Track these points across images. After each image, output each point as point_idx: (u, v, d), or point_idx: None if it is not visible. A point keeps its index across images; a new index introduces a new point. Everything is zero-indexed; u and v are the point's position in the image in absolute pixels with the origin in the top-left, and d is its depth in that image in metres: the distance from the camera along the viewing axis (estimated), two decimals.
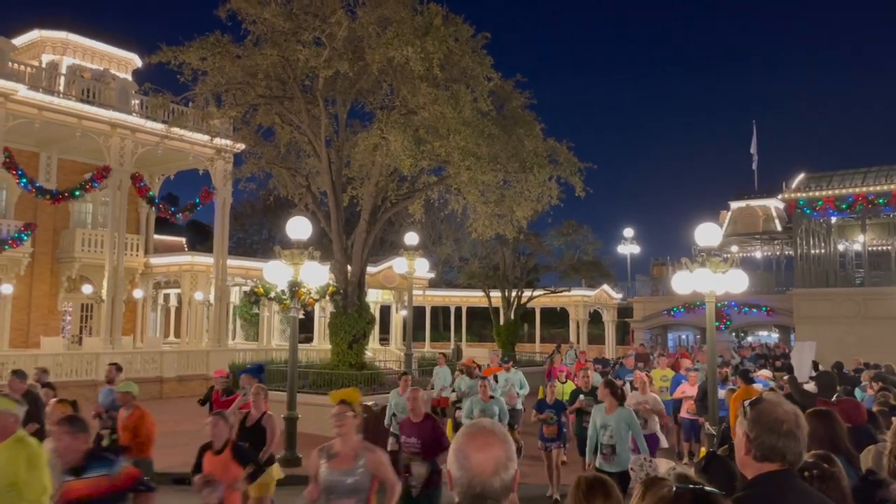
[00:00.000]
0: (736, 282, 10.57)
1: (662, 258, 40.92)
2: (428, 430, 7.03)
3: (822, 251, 30.97)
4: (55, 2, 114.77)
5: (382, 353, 29.73)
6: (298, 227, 12.55)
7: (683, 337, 37.48)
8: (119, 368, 10.98)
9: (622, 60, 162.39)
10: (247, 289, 27.97)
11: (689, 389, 12.69)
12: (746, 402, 2.43)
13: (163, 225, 33.60)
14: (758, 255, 40.39)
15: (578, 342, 37.26)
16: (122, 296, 24.02)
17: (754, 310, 32.51)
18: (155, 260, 28.95)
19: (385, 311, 35.08)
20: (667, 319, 35.13)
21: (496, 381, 13.24)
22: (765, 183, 38.96)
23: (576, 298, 36.55)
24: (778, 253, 38.43)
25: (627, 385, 13.91)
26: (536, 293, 31.04)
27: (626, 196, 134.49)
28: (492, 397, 10.18)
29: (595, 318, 39.65)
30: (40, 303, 26.49)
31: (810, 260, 29.96)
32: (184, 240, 37.42)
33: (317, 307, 28.32)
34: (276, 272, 12.49)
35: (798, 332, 27.75)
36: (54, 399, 8.08)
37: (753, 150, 39.42)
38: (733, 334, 33.76)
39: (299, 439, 12.75)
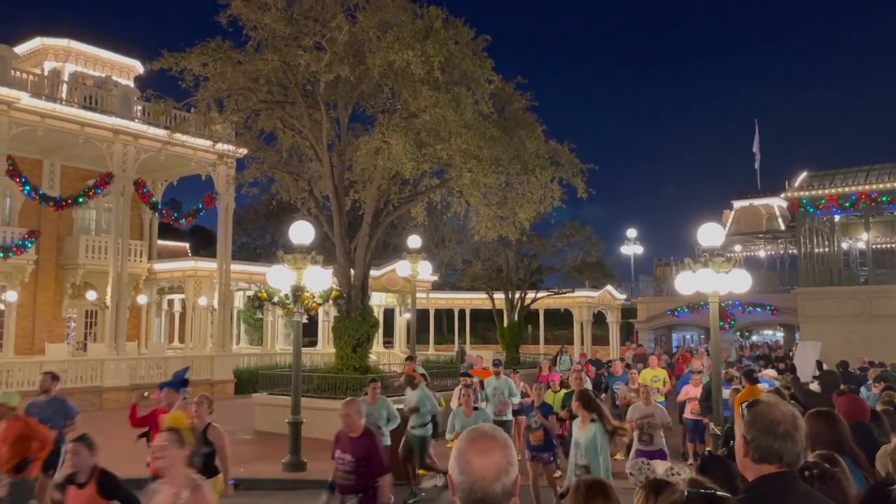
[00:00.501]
0: (739, 281, 10.57)
1: (666, 258, 40.93)
2: (364, 447, 6.17)
3: (826, 250, 30.92)
4: (57, 10, 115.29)
5: (387, 356, 29.75)
6: (301, 232, 12.57)
7: (688, 337, 37.47)
8: (55, 377, 9.69)
9: (624, 60, 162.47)
10: (251, 293, 27.99)
11: (692, 391, 12.69)
12: (744, 404, 2.43)
13: (166, 231, 33.68)
14: (761, 254, 40.37)
15: (583, 343, 37.26)
16: (127, 302, 24.07)
17: (758, 309, 32.47)
18: (159, 265, 29.02)
19: (389, 314, 35.11)
20: (671, 320, 35.12)
21: (482, 388, 12.46)
22: (767, 182, 38.93)
23: (579, 300, 36.53)
24: (782, 252, 38.41)
25: (621, 389, 13.38)
26: (540, 295, 31.00)
27: (628, 196, 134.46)
28: (476, 408, 9.24)
29: (599, 319, 39.62)
30: (45, 310, 26.56)
31: (814, 259, 29.91)
32: (187, 245, 37.53)
33: (321, 311, 28.34)
34: (279, 277, 12.50)
35: (802, 331, 27.70)
36: None
37: (756, 149, 39.44)
38: (738, 334, 33.72)
39: (305, 444, 12.76)
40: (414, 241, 18.86)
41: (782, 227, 35.55)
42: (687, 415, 12.78)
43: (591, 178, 17.81)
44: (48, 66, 26.25)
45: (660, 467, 7.51)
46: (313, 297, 13.00)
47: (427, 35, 14.86)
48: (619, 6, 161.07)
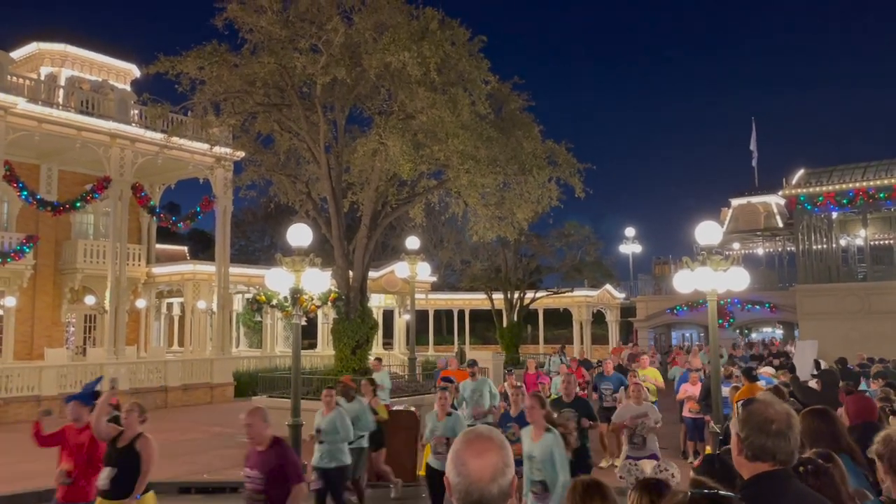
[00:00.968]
0: (737, 280, 10.58)
1: (664, 257, 40.97)
2: (273, 459, 5.44)
3: (824, 247, 30.96)
4: (53, 14, 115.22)
5: (386, 357, 29.75)
6: (299, 234, 12.56)
7: (687, 335, 37.51)
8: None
9: (621, 59, 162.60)
10: (249, 296, 28.02)
11: (690, 389, 12.71)
12: (739, 403, 2.45)
13: (164, 234, 33.67)
14: (760, 251, 40.41)
15: (582, 343, 37.30)
16: (125, 306, 24.06)
17: (757, 307, 32.53)
18: (157, 269, 29.01)
19: (388, 315, 35.12)
20: (670, 318, 35.16)
21: (457, 392, 11.80)
22: (765, 179, 39.05)
23: (578, 299, 36.58)
24: (780, 249, 38.46)
25: (619, 393, 12.45)
26: (539, 294, 31.07)
27: (626, 195, 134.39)
28: (449, 413, 8.42)
29: (598, 319, 39.67)
30: (43, 314, 26.55)
31: (812, 256, 29.95)
32: (186, 248, 37.53)
33: (320, 313, 28.30)
34: (277, 280, 12.49)
35: (801, 328, 27.74)
36: None
37: (753, 146, 39.52)
38: (737, 332, 33.76)
39: (305, 446, 12.75)
40: (412, 242, 18.86)
41: (780, 224, 35.60)
42: (686, 413, 12.80)
43: (589, 177, 17.85)
44: (45, 70, 26.25)
45: (647, 466, 7.46)
46: (312, 300, 12.98)
47: (423, 36, 14.87)
48: (616, 5, 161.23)
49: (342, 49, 15.83)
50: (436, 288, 37.27)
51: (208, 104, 17.31)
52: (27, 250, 23.99)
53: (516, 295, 29.13)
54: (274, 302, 13.52)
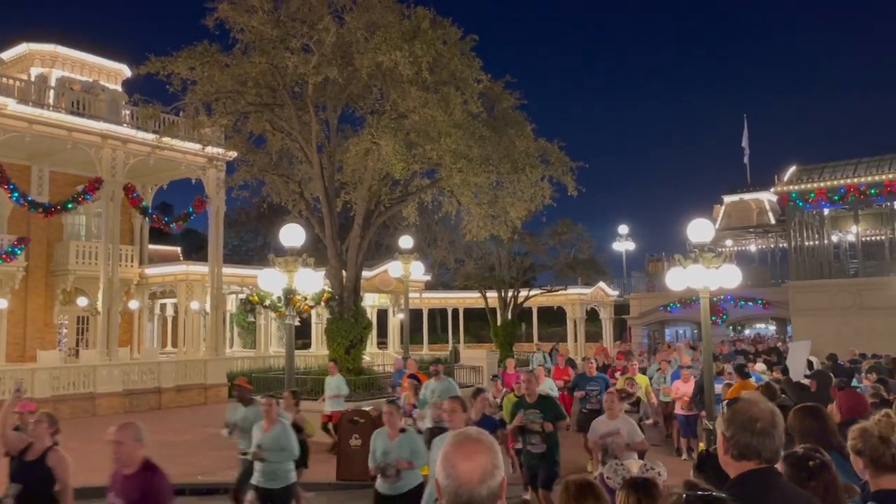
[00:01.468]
0: (729, 277, 10.65)
1: (658, 254, 41.00)
2: (138, 487, 4.47)
3: (816, 243, 31.07)
4: (43, 15, 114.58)
5: (381, 357, 29.75)
6: (292, 235, 12.56)
7: (681, 332, 37.59)
8: None
9: (614, 57, 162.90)
10: (243, 297, 27.96)
11: (682, 386, 12.75)
12: (725, 402, 2.46)
13: (157, 235, 33.55)
14: (752, 248, 40.54)
15: (576, 340, 37.36)
16: (118, 307, 23.98)
17: (750, 303, 32.63)
18: (150, 270, 28.91)
19: (382, 314, 35.11)
20: (664, 315, 35.23)
21: (415, 395, 11.27)
22: (757, 176, 39.11)
23: (572, 297, 36.64)
24: (772, 246, 38.57)
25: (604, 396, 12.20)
26: (533, 293, 31.11)
27: (619, 193, 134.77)
28: (403, 430, 6.92)
29: (592, 316, 39.73)
30: (36, 316, 26.42)
31: (804, 252, 30.06)
32: (179, 249, 37.41)
33: (314, 313, 28.31)
34: (270, 280, 12.49)
35: (794, 325, 27.86)
36: None
37: (745, 143, 39.64)
38: (730, 328, 33.87)
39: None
40: (406, 241, 18.86)
41: (772, 221, 35.70)
42: (678, 410, 12.84)
43: (582, 175, 17.87)
44: (35, 71, 26.11)
45: (634, 466, 7.34)
46: (305, 300, 12.98)
47: (415, 35, 14.87)
48: (608, 4, 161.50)
49: (334, 48, 15.82)
50: (430, 287, 37.26)
51: (200, 104, 17.26)
52: (18, 252, 23.87)
53: (510, 293, 29.18)
54: (267, 302, 13.53)
